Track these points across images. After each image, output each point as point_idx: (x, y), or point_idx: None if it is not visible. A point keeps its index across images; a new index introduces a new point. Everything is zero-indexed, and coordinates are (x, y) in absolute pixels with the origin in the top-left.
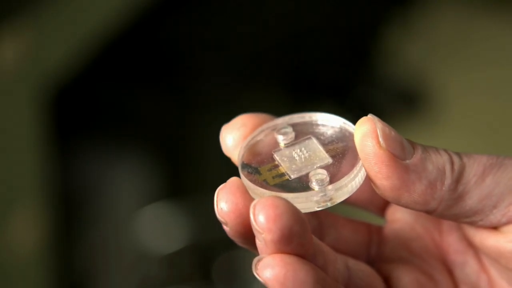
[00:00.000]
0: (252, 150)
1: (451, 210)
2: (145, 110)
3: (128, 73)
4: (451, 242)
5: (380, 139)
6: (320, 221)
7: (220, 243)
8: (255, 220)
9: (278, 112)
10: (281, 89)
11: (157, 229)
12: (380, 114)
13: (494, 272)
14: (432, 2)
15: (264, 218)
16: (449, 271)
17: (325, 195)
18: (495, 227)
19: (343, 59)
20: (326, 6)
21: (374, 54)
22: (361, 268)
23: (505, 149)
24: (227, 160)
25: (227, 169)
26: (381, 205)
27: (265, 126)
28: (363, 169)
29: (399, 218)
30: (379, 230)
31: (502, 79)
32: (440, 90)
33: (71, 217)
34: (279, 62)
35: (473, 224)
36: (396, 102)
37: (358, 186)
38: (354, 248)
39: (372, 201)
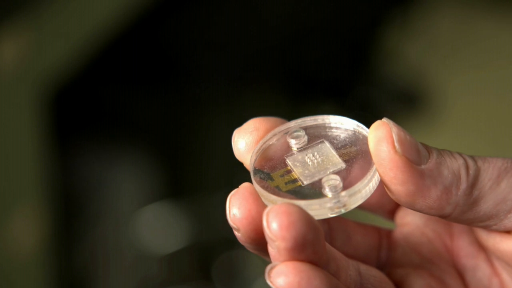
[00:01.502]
0: (264, 155)
1: (466, 215)
2: (145, 110)
3: (128, 73)
4: (462, 246)
5: (396, 144)
6: (330, 225)
7: (220, 243)
8: (268, 228)
9: (278, 112)
10: (281, 89)
11: (157, 229)
12: (380, 114)
13: (506, 276)
14: (432, 2)
15: (277, 225)
16: (461, 276)
17: (338, 201)
18: (509, 231)
19: (343, 59)
20: (326, 6)
21: (374, 54)
22: (373, 274)
23: (505, 149)
24: (227, 160)
25: (227, 169)
26: (391, 209)
27: (277, 129)
28: (377, 174)
29: (409, 222)
30: (389, 234)
31: (502, 79)
32: (440, 90)
33: (71, 217)
34: (279, 62)
35: (486, 228)
36: (396, 102)
37: (372, 191)
38: (364, 253)
39: (381, 205)
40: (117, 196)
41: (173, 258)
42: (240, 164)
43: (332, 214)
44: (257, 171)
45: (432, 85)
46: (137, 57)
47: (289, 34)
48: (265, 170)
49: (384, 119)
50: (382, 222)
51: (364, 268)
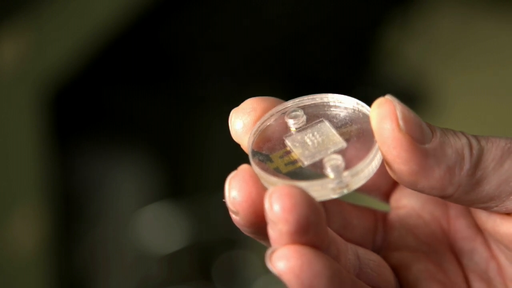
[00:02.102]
0: (262, 136)
1: (468, 196)
2: (145, 110)
3: (128, 73)
4: (459, 229)
5: (400, 122)
6: (325, 208)
7: (220, 243)
8: (271, 210)
9: None
10: (281, 89)
11: (157, 229)
12: None
13: (503, 259)
14: (431, 2)
15: (280, 208)
16: (458, 259)
17: (341, 181)
18: (509, 213)
19: (343, 59)
20: (326, 6)
21: (374, 54)
22: (371, 258)
23: None
24: (227, 160)
25: (227, 169)
26: (386, 191)
27: (274, 110)
28: (379, 152)
29: (405, 205)
30: (384, 216)
31: (501, 79)
32: (440, 90)
33: (71, 217)
34: (279, 62)
35: (487, 209)
36: None
37: (375, 170)
38: (360, 236)
39: (377, 187)
40: (117, 196)
41: (173, 258)
42: (240, 162)
43: (334, 195)
44: (255, 153)
45: (432, 85)
46: (137, 57)
47: (289, 34)
48: (264, 152)
49: (388, 96)
50: (376, 204)
51: (362, 252)
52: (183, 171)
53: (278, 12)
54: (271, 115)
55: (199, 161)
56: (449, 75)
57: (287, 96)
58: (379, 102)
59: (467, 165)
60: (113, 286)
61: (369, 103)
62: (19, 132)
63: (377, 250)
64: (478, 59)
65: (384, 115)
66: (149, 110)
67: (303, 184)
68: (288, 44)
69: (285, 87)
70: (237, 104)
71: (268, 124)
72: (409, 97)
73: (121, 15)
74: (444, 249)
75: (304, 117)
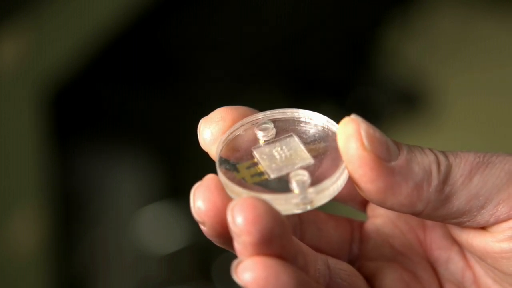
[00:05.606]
0: (231, 145)
1: (438, 212)
2: (145, 110)
3: (128, 73)
4: (435, 238)
5: (365, 141)
6: (300, 217)
7: None
8: (233, 222)
9: None
10: (281, 89)
11: (157, 229)
12: (380, 114)
13: (479, 270)
14: (432, 2)
15: (242, 220)
16: (434, 269)
17: (305, 197)
18: (482, 227)
19: (343, 59)
20: (326, 6)
21: (374, 54)
22: (342, 267)
23: (505, 149)
24: None
25: None
26: (362, 201)
27: (245, 120)
28: (345, 171)
29: (381, 214)
30: (361, 226)
31: (502, 79)
32: (440, 90)
33: (71, 217)
34: (279, 62)
35: (460, 224)
36: (396, 102)
37: (340, 189)
38: (335, 246)
39: (352, 197)
40: (117, 196)
41: (173, 258)
42: None
43: (297, 210)
44: (223, 161)
45: (432, 85)
46: (137, 57)
47: (289, 34)
48: (231, 161)
49: (353, 116)
50: (354, 213)
51: (333, 261)
52: (183, 171)
53: (278, 12)
54: (241, 125)
55: (199, 161)
56: (449, 75)
57: (286, 96)
58: (345, 121)
59: (435, 181)
60: (113, 286)
61: (369, 104)
62: (19, 132)
63: (353, 259)
64: (478, 59)
65: (349, 134)
66: (149, 110)
67: (266, 197)
68: (288, 44)
69: (285, 87)
70: (236, 104)
71: (238, 134)
72: (409, 97)
73: (121, 15)
74: (419, 259)
75: (274, 130)
